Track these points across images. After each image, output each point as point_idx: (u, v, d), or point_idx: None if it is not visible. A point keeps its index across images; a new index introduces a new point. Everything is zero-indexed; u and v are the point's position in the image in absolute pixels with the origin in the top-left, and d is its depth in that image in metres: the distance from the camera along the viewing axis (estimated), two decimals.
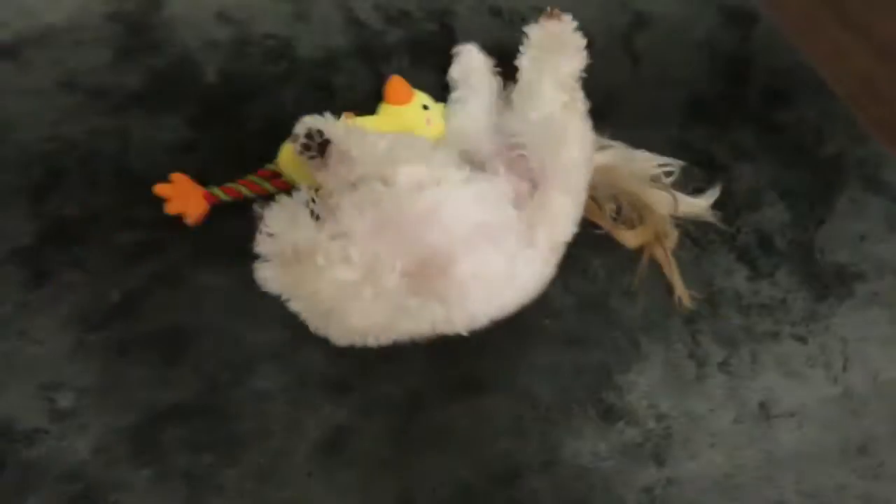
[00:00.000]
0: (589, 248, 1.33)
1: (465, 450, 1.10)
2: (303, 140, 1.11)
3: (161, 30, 1.62)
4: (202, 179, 1.28)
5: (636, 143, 1.54)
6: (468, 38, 1.68)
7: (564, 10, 1.33)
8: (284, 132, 1.46)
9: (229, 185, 1.29)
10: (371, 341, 1.07)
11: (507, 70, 1.49)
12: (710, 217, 1.37)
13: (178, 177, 1.27)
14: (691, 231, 1.40)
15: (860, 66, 1.79)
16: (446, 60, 1.63)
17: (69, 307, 1.19)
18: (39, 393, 1.10)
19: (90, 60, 1.54)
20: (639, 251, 1.33)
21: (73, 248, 1.26)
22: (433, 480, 1.08)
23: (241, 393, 1.13)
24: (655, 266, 1.32)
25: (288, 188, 1.27)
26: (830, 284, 1.36)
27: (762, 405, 1.20)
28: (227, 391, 1.13)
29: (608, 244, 1.35)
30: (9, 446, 1.05)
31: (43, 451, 1.05)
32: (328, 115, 1.17)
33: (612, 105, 1.60)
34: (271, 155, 1.33)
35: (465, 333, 1.08)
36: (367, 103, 1.53)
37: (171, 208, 1.24)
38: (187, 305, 1.20)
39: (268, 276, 1.08)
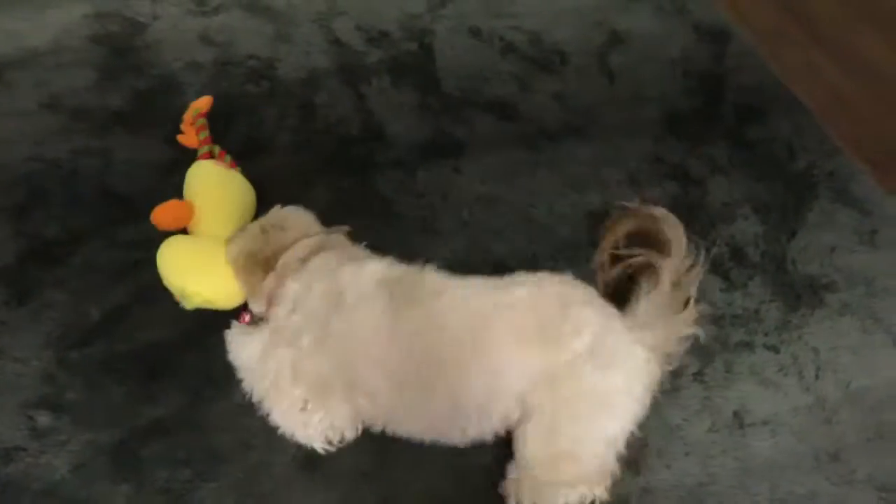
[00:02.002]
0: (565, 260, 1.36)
1: (444, 464, 1.11)
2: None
3: (144, 52, 1.65)
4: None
5: (613, 159, 1.58)
6: (447, 59, 1.72)
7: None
8: (266, 149, 1.49)
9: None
10: None
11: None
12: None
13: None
14: None
15: (831, 81, 1.84)
16: (426, 80, 1.67)
17: (50, 326, 1.20)
18: (19, 411, 1.11)
19: (74, 82, 1.56)
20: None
21: (54, 268, 1.27)
22: (412, 493, 1.09)
23: (221, 407, 1.14)
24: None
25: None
26: (802, 295, 1.39)
27: (736, 414, 1.22)
28: (207, 406, 1.14)
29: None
30: None
31: (21, 469, 1.06)
32: None
33: (589, 120, 1.64)
34: (250, 172, 1.35)
35: None
36: (347, 122, 1.56)
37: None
38: (167, 322, 1.21)
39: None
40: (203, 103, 1.45)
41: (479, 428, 1.06)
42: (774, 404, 1.24)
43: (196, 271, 1.14)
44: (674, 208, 1.46)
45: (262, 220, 1.16)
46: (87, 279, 1.26)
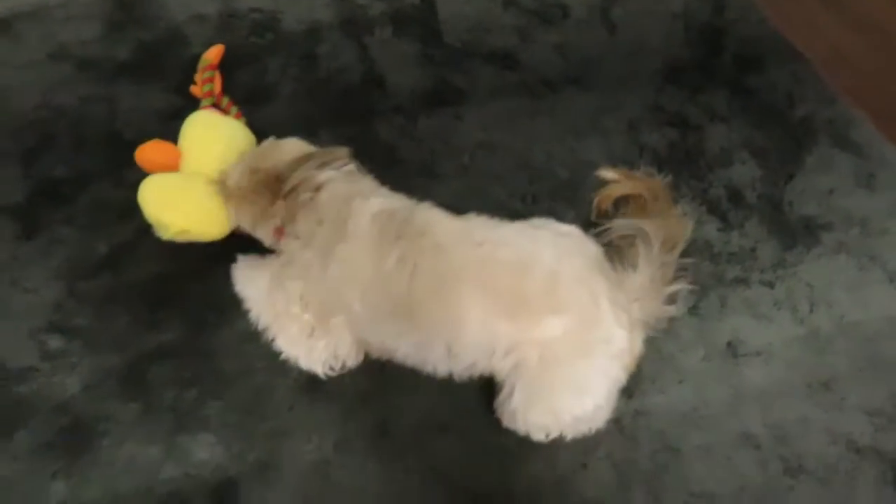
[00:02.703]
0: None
1: (440, 387, 1.13)
2: None
3: (150, 5, 1.68)
4: None
5: (612, 108, 1.60)
6: (449, 11, 1.74)
7: None
8: (270, 98, 1.52)
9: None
10: None
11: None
12: None
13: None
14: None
15: (832, 36, 1.84)
16: (428, 32, 1.69)
17: (59, 259, 1.24)
18: (31, 336, 1.15)
19: (81, 34, 1.60)
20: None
21: (63, 206, 1.31)
22: (409, 414, 1.12)
23: (225, 334, 1.17)
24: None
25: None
26: (798, 234, 1.40)
27: (730, 345, 1.24)
28: (212, 332, 1.17)
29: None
30: (3, 382, 1.09)
31: (34, 388, 1.09)
32: None
33: (590, 71, 1.66)
34: (254, 120, 1.38)
35: None
36: (350, 72, 1.58)
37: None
38: (172, 257, 1.24)
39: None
40: (213, 54, 1.48)
41: (447, 368, 1.07)
42: (768, 336, 1.26)
43: (172, 203, 1.18)
44: (671, 154, 1.52)
45: (257, 149, 1.18)
46: (95, 216, 1.29)
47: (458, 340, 1.03)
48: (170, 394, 1.10)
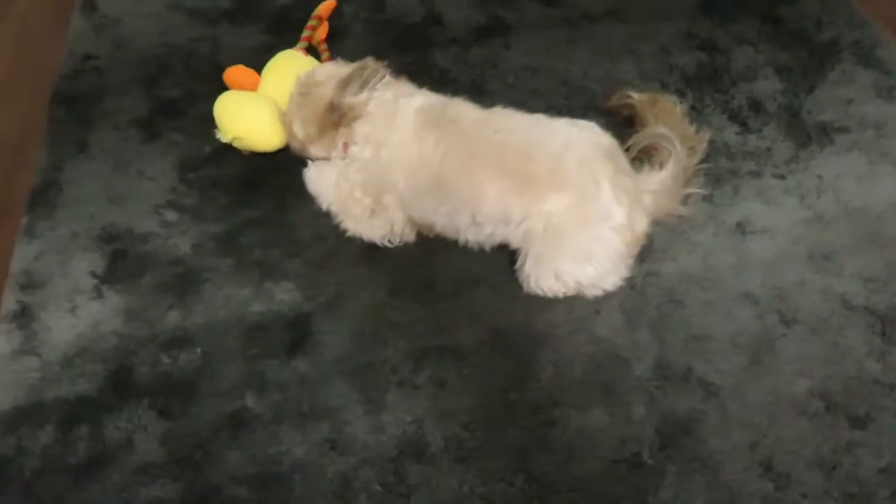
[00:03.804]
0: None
1: (476, 253, 1.34)
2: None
3: None
4: None
5: (647, 36, 1.77)
6: None
7: None
8: (344, 36, 1.77)
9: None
10: None
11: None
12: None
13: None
14: (687, 96, 1.60)
15: None
16: None
17: (173, 156, 1.53)
18: (153, 210, 1.44)
19: None
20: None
21: (177, 118, 1.61)
22: (449, 271, 1.34)
23: (302, 211, 1.42)
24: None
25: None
26: (814, 135, 1.53)
27: (739, 224, 1.39)
28: (291, 210, 1.43)
29: None
30: (130, 243, 1.39)
31: (156, 246, 1.38)
32: None
33: (628, 4, 1.83)
34: (333, 53, 1.65)
35: None
36: (412, 12, 1.82)
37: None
38: (263, 157, 1.51)
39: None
40: (324, 8, 1.73)
41: (475, 237, 1.29)
42: (775, 218, 1.40)
43: (231, 113, 1.46)
44: (698, 72, 1.67)
45: (300, 84, 1.38)
46: (201, 126, 1.57)
47: (479, 211, 1.25)
48: (257, 253, 1.37)
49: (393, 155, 1.29)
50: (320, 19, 1.71)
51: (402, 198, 1.30)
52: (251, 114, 1.45)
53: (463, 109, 1.31)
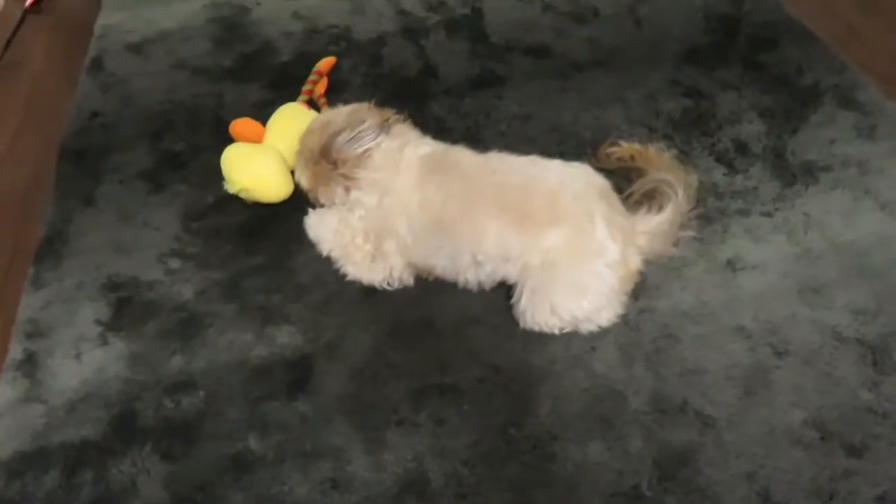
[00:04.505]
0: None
1: (474, 294, 1.37)
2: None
3: (249, 27, 2.06)
4: None
5: (634, 83, 1.83)
6: (495, 18, 2.04)
7: None
8: (343, 89, 1.84)
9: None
10: None
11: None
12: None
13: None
14: (675, 140, 1.66)
15: (845, 17, 2.02)
16: (476, 34, 1.99)
17: (178, 206, 1.58)
18: (158, 259, 1.48)
19: (195, 50, 1.99)
20: None
21: (181, 170, 1.66)
22: (449, 312, 1.37)
23: (304, 257, 1.46)
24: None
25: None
26: (799, 175, 1.58)
27: (729, 261, 1.43)
28: (293, 256, 1.47)
29: None
30: (135, 291, 1.42)
31: (160, 293, 1.42)
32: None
33: (615, 56, 1.91)
34: (331, 104, 1.68)
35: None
36: (408, 66, 1.89)
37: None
38: (263, 205, 1.55)
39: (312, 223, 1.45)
40: (324, 64, 1.81)
41: (475, 277, 1.33)
42: (765, 254, 1.44)
43: (239, 165, 1.50)
44: (684, 117, 1.74)
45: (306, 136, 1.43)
46: (204, 177, 1.62)
47: (480, 249, 1.29)
48: (259, 298, 1.40)
49: (396, 201, 1.34)
50: (321, 74, 1.78)
51: (404, 242, 1.34)
52: (259, 166, 1.50)
53: (462, 155, 1.36)
